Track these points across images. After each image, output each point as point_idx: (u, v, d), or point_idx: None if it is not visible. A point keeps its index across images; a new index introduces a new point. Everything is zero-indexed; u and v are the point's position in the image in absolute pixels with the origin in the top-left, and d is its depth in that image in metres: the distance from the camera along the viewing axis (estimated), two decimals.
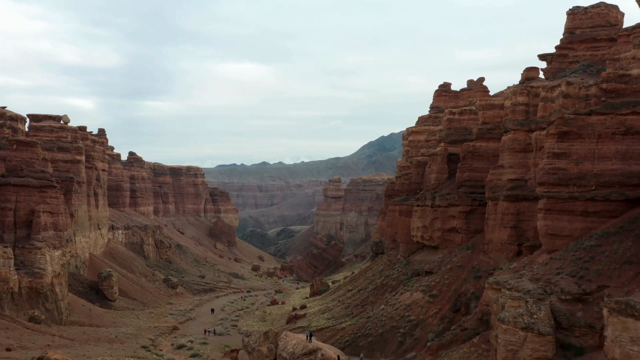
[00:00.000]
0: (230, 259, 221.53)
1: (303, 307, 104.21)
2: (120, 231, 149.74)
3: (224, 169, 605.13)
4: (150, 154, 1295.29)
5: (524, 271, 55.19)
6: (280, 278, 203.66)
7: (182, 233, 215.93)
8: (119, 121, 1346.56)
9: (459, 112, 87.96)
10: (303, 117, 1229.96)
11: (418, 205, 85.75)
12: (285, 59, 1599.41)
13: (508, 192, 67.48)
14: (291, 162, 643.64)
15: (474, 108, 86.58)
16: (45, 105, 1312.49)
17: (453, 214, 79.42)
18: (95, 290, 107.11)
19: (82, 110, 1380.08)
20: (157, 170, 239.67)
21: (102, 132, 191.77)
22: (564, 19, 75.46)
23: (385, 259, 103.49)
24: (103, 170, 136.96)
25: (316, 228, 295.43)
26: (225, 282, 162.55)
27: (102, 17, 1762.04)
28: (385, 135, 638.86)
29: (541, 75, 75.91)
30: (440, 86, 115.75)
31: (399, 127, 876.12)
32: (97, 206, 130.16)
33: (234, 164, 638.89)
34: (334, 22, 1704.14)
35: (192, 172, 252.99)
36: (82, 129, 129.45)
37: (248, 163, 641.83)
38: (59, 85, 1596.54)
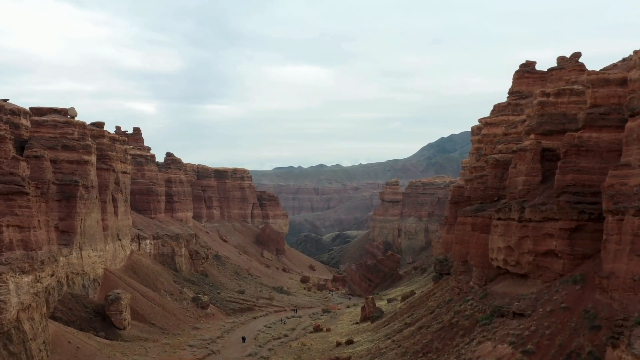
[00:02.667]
0: (277, 268, 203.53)
1: (349, 342, 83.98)
2: (147, 241, 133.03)
3: (280, 171, 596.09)
4: (208, 157, 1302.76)
5: None
6: (332, 291, 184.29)
7: (224, 241, 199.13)
8: (182, 125, 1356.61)
9: (555, 93, 65.68)
10: (362, 120, 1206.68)
11: (499, 219, 64.03)
12: (344, 61, 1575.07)
13: None
14: (349, 165, 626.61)
15: (576, 87, 64.35)
16: (109, 110, 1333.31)
17: (550, 232, 57.35)
18: (101, 317, 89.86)
19: (144, 114, 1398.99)
20: (201, 172, 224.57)
21: (137, 131, 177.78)
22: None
23: (452, 283, 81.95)
24: (124, 172, 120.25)
25: (372, 234, 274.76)
26: (267, 299, 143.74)
27: (164, 22, 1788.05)
28: (445, 136, 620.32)
29: None
30: (522, 66, 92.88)
31: (459, 129, 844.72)
32: (115, 213, 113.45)
33: (291, 167, 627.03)
34: (392, 23, 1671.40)
35: (239, 175, 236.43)
36: (99, 125, 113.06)
37: (305, 165, 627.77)
38: (122, 90, 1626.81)
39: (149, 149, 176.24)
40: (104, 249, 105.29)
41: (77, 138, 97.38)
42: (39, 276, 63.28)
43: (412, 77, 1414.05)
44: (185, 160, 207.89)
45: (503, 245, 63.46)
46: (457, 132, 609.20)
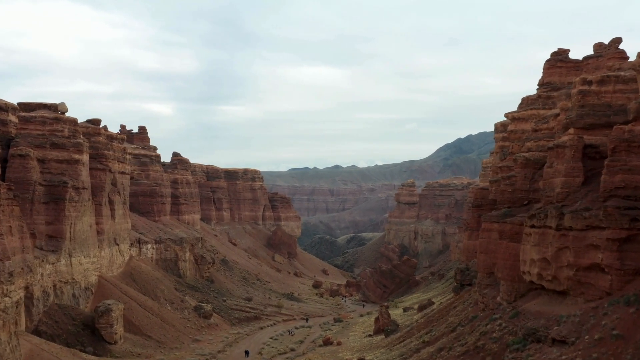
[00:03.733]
0: (289, 273, 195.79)
1: None
2: (149, 246, 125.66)
3: (295, 172, 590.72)
4: (223, 158, 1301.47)
5: None
6: (345, 297, 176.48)
7: (234, 244, 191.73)
8: (198, 126, 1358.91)
9: (598, 81, 57.04)
10: (377, 120, 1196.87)
11: (533, 226, 55.50)
12: (360, 62, 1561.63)
13: None
14: (365, 166, 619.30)
15: (622, 74, 55.73)
16: (126, 112, 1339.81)
17: (595, 242, 48.77)
18: (91, 330, 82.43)
19: (161, 115, 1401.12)
20: (211, 173, 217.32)
21: (142, 130, 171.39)
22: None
23: (476, 297, 73.52)
24: (122, 172, 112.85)
25: (387, 237, 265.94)
26: (275, 307, 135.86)
27: (180, 23, 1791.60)
28: (462, 137, 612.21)
29: None
30: (554, 54, 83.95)
31: (476, 129, 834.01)
32: (112, 216, 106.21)
33: (306, 168, 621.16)
34: (408, 24, 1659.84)
35: (250, 176, 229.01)
36: (95, 122, 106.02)
37: (321, 166, 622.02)
38: (139, 92, 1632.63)
39: (154, 148, 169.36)
40: (98, 255, 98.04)
41: (67, 135, 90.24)
42: (7, 290, 55.85)
43: (428, 77, 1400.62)
44: (201, 161, 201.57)
45: (537, 257, 54.92)
46: (474, 132, 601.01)
